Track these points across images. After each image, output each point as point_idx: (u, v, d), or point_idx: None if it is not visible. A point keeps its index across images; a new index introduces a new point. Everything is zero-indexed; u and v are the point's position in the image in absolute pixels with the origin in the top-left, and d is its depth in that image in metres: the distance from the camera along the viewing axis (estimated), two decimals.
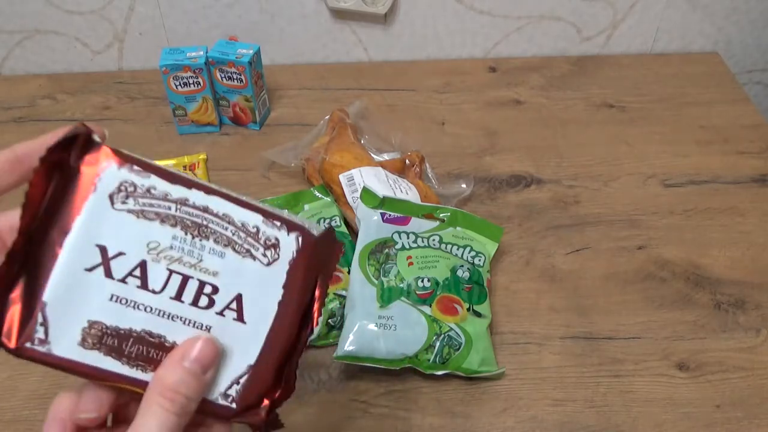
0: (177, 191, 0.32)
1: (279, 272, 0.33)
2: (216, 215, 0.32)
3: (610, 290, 0.73)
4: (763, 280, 0.74)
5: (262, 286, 0.33)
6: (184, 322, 0.32)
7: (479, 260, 0.70)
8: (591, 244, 0.77)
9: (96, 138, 0.31)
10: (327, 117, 0.86)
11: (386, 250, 0.68)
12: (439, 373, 0.63)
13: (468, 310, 0.65)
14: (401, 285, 0.65)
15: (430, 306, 0.65)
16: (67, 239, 0.30)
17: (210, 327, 0.32)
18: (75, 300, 0.31)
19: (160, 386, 0.30)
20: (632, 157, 0.88)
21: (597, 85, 1.00)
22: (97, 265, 0.31)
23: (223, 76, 0.87)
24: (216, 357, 0.32)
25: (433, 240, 0.70)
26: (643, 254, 0.76)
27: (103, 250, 0.31)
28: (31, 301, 0.30)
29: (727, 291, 0.72)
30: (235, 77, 0.87)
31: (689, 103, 0.97)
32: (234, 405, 0.33)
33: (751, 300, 0.72)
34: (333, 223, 0.74)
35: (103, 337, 0.31)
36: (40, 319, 0.30)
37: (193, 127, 0.91)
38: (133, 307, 0.31)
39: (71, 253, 0.30)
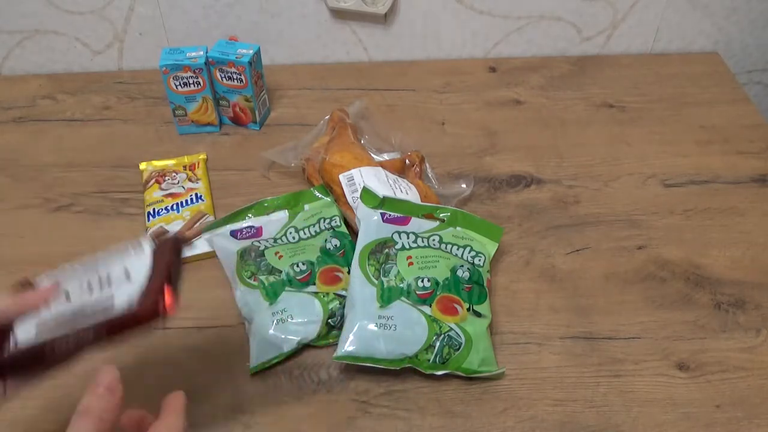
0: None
1: (147, 254, 0.51)
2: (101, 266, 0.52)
3: (610, 290, 0.73)
4: (763, 280, 0.74)
5: (139, 263, 0.51)
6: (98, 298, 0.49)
7: (479, 260, 0.70)
8: (591, 244, 0.77)
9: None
10: (327, 117, 0.86)
11: (386, 250, 0.68)
12: (439, 373, 0.63)
13: (468, 310, 0.65)
14: (401, 285, 0.65)
15: (430, 306, 0.64)
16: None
17: (113, 294, 0.48)
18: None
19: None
20: (632, 157, 0.88)
21: (597, 85, 1.00)
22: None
23: (223, 76, 0.87)
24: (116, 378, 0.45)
25: (433, 240, 0.70)
26: (643, 254, 0.76)
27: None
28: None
29: (727, 291, 0.72)
30: (235, 77, 0.87)
31: (689, 103, 0.97)
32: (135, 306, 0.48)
33: (751, 300, 0.72)
34: (333, 224, 0.74)
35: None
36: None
37: (193, 127, 0.91)
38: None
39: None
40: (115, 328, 0.48)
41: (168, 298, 0.49)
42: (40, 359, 0.47)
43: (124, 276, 0.50)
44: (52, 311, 0.49)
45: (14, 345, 0.48)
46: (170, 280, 0.50)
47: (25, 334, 0.47)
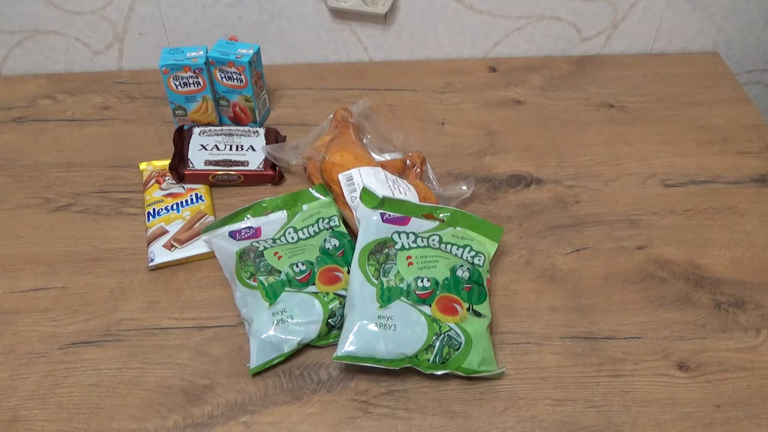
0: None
1: (261, 136, 0.87)
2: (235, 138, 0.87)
3: (610, 290, 0.73)
4: (763, 280, 0.74)
5: (257, 142, 0.86)
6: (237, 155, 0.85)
7: (479, 260, 0.70)
8: (591, 244, 0.77)
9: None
10: (330, 116, 0.86)
11: (386, 250, 0.68)
12: (439, 373, 0.63)
13: (468, 310, 0.65)
14: (401, 285, 0.65)
15: (430, 306, 0.65)
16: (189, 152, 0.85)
17: (247, 160, 0.84)
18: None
19: None
20: (632, 157, 0.88)
21: (597, 85, 1.00)
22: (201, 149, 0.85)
23: (223, 76, 0.87)
24: None
25: (433, 240, 0.70)
26: (643, 254, 0.76)
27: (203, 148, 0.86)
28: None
29: (727, 291, 0.72)
30: (235, 77, 0.87)
31: (689, 103, 0.97)
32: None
33: (751, 300, 0.72)
34: (332, 223, 0.74)
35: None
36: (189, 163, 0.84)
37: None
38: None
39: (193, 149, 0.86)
40: (248, 177, 0.83)
41: (275, 171, 0.83)
42: (205, 178, 0.82)
43: (251, 148, 0.84)
44: (211, 153, 0.83)
45: (191, 166, 0.82)
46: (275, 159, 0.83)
47: (196, 162, 0.82)
